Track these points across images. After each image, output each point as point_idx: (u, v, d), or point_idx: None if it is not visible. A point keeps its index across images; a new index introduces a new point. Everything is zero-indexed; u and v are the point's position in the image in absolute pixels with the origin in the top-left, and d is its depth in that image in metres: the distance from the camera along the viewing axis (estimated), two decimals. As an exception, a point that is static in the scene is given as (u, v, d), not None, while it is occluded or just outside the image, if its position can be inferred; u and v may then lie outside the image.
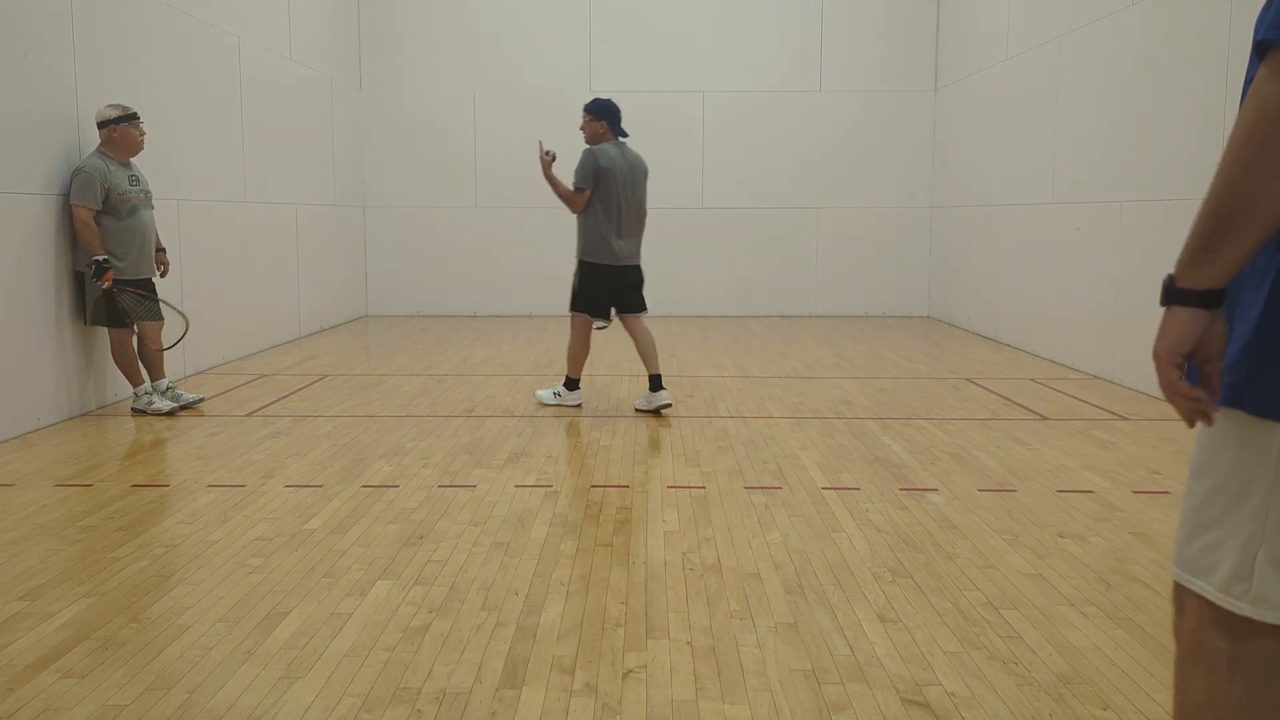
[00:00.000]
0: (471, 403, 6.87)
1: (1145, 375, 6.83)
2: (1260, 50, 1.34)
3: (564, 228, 12.53)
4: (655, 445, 5.62)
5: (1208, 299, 1.44)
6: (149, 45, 7.31)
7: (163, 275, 6.61)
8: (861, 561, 3.76)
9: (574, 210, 6.49)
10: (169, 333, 6.58)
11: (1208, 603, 1.53)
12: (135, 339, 6.35)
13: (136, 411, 6.37)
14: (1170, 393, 1.49)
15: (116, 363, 6.36)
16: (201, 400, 6.62)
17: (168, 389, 6.52)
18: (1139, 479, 4.89)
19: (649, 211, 6.79)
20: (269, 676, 2.83)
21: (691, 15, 12.38)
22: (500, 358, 9.01)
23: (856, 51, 12.37)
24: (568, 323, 7.04)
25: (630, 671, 2.86)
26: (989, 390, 7.35)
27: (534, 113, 12.39)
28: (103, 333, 6.43)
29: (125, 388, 6.67)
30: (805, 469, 5.10)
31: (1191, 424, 1.50)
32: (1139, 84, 7.29)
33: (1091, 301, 7.95)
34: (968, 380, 7.83)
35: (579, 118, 6.90)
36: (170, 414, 6.33)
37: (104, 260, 6.01)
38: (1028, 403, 6.83)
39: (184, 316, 6.59)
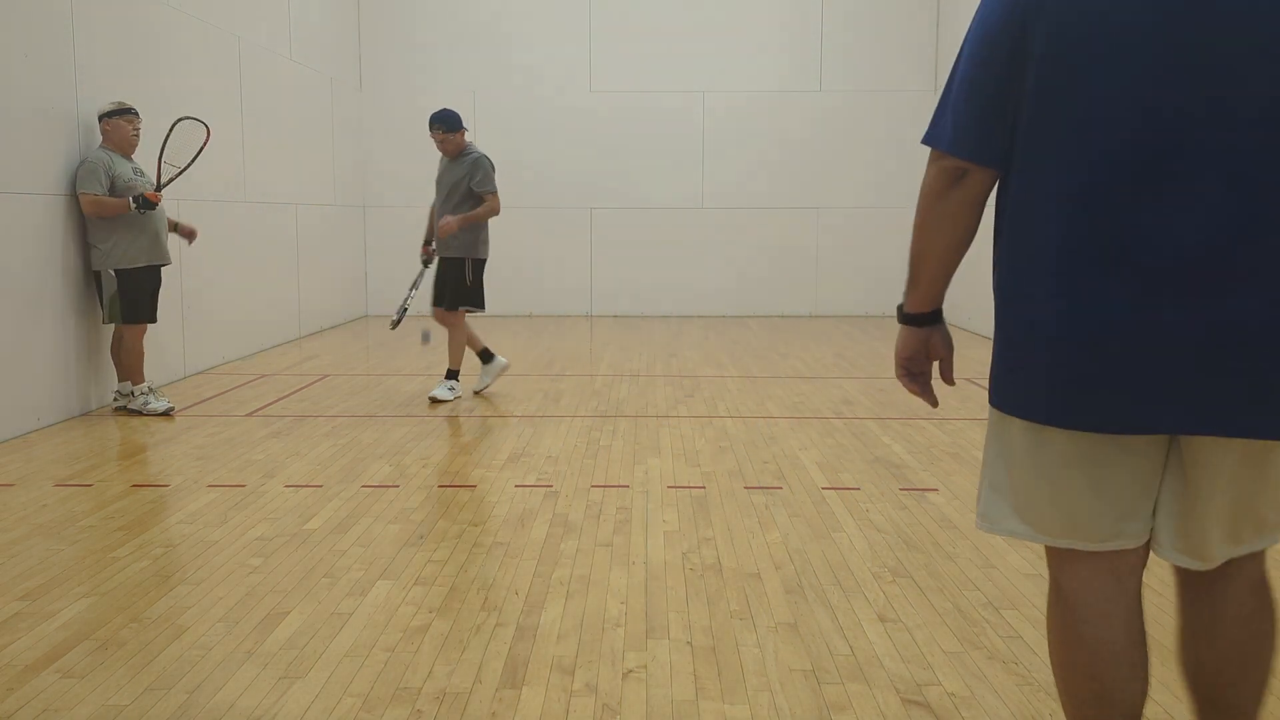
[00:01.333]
0: (471, 403, 6.87)
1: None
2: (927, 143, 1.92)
3: (564, 228, 12.56)
4: (655, 445, 5.62)
5: (920, 320, 2.02)
6: (149, 45, 7.32)
7: (190, 241, 6.81)
8: (861, 561, 3.76)
9: (497, 213, 6.92)
10: (193, 140, 6.64)
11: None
12: (114, 338, 6.38)
13: (131, 411, 6.35)
14: (903, 383, 2.10)
15: (119, 359, 6.36)
16: (170, 410, 6.49)
17: (131, 392, 6.43)
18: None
19: None
20: (269, 676, 2.83)
21: (691, 15, 12.38)
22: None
23: (856, 51, 12.36)
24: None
25: (630, 671, 2.86)
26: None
27: (534, 113, 12.39)
28: (102, 333, 6.43)
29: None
30: (805, 469, 5.10)
31: (931, 405, 2.14)
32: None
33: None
34: (968, 380, 7.82)
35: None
36: (165, 414, 6.33)
37: (138, 195, 6.13)
38: (1028, 403, 6.82)
39: (204, 125, 6.62)
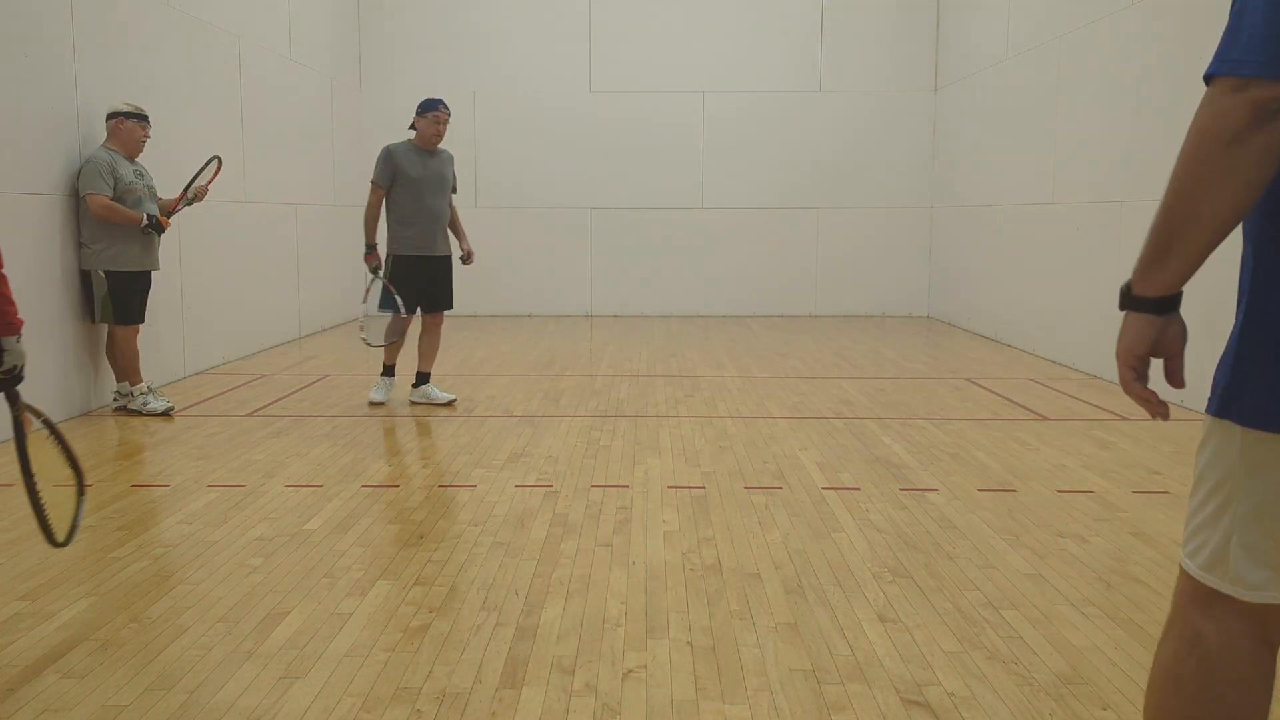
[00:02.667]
0: (471, 403, 6.87)
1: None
2: (1206, 80, 1.50)
3: (564, 228, 12.56)
4: (655, 445, 5.62)
5: (1160, 305, 1.58)
6: (150, 45, 7.32)
7: (199, 196, 6.68)
8: (861, 561, 3.76)
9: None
10: (204, 171, 6.70)
11: (1191, 579, 1.67)
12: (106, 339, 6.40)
13: (131, 411, 6.35)
14: (1127, 391, 1.64)
15: (114, 360, 6.36)
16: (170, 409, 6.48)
17: (130, 392, 6.43)
18: (1139, 479, 4.89)
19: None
20: (269, 676, 2.83)
21: (691, 15, 12.38)
22: (500, 358, 9.01)
23: (856, 51, 12.37)
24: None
25: (630, 671, 2.86)
26: (989, 390, 7.35)
27: (534, 113, 12.39)
28: (101, 333, 6.43)
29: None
30: (805, 469, 5.10)
31: (1153, 417, 1.68)
32: (1139, 84, 7.29)
33: (1091, 301, 7.94)
34: (968, 380, 7.83)
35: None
36: (165, 414, 6.33)
37: (151, 217, 6.20)
38: (1028, 403, 6.83)
39: (215, 157, 6.66)
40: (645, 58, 12.37)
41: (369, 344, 6.60)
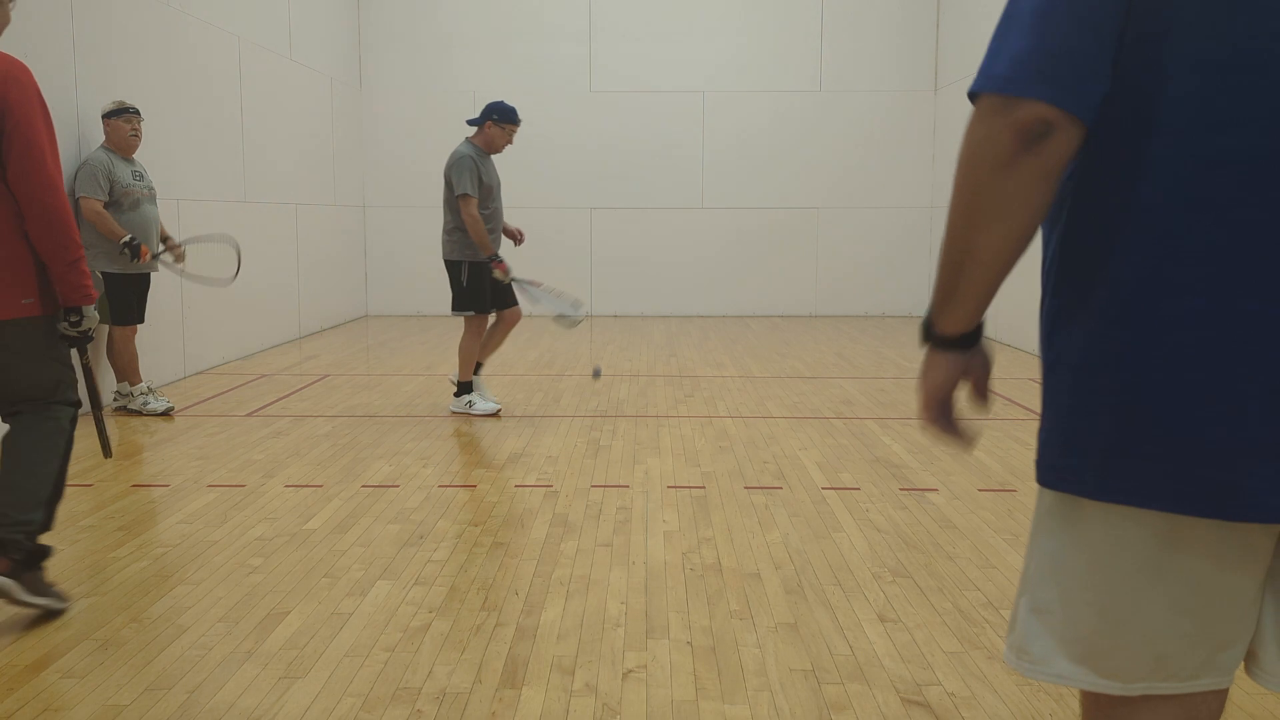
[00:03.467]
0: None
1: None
2: (970, 98, 1.35)
3: (564, 228, 12.56)
4: (655, 445, 5.62)
5: (963, 341, 1.46)
6: (149, 45, 7.31)
7: (178, 259, 6.62)
8: (861, 561, 3.76)
9: None
10: (225, 263, 6.58)
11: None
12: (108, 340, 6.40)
13: (131, 411, 6.35)
14: (931, 429, 1.54)
15: (113, 360, 6.37)
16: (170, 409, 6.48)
17: (130, 392, 6.44)
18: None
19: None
20: (269, 676, 2.83)
21: (691, 15, 12.38)
22: (500, 358, 9.01)
23: (856, 51, 12.37)
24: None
25: (630, 671, 2.86)
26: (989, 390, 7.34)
27: (534, 113, 12.37)
28: (102, 332, 6.43)
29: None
30: (805, 469, 5.10)
31: (964, 449, 1.52)
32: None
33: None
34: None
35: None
36: (165, 414, 6.33)
37: (132, 238, 6.13)
38: (1028, 403, 6.83)
39: (232, 242, 6.57)
40: (645, 58, 12.37)
41: (573, 321, 6.38)
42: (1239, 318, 1.27)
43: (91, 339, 3.40)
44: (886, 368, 8.44)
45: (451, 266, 6.27)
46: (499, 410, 6.42)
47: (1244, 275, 1.26)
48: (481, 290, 6.28)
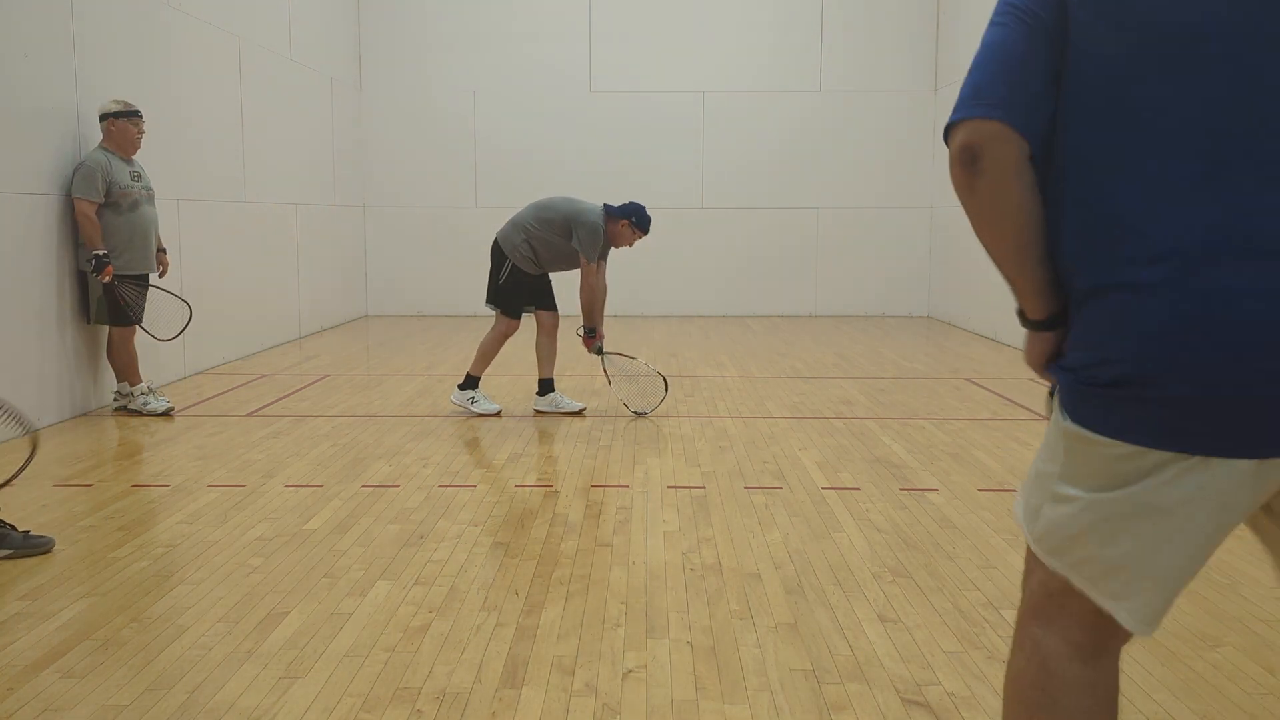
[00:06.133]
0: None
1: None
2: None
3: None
4: (655, 445, 5.62)
5: (1046, 324, 1.64)
6: (149, 45, 7.31)
7: (161, 275, 6.61)
8: (861, 561, 3.76)
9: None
10: (173, 323, 6.63)
11: (1030, 593, 1.71)
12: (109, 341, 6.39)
13: (131, 411, 6.35)
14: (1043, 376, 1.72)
15: (113, 360, 6.36)
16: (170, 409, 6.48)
17: (130, 392, 6.43)
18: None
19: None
20: (269, 676, 2.83)
21: (691, 15, 12.38)
22: (500, 358, 8.98)
23: (856, 51, 12.36)
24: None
25: (630, 671, 2.86)
26: (989, 390, 7.35)
27: (534, 113, 12.39)
28: (102, 331, 6.43)
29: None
30: (805, 469, 5.10)
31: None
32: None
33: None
34: (968, 380, 7.83)
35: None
36: (165, 414, 6.33)
37: (103, 255, 6.03)
38: (1028, 403, 6.83)
39: (187, 305, 6.61)
40: (645, 58, 12.37)
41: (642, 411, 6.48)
42: None
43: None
44: (886, 368, 8.43)
45: (498, 259, 6.41)
46: (499, 411, 6.44)
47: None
48: (516, 294, 6.41)
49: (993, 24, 1.59)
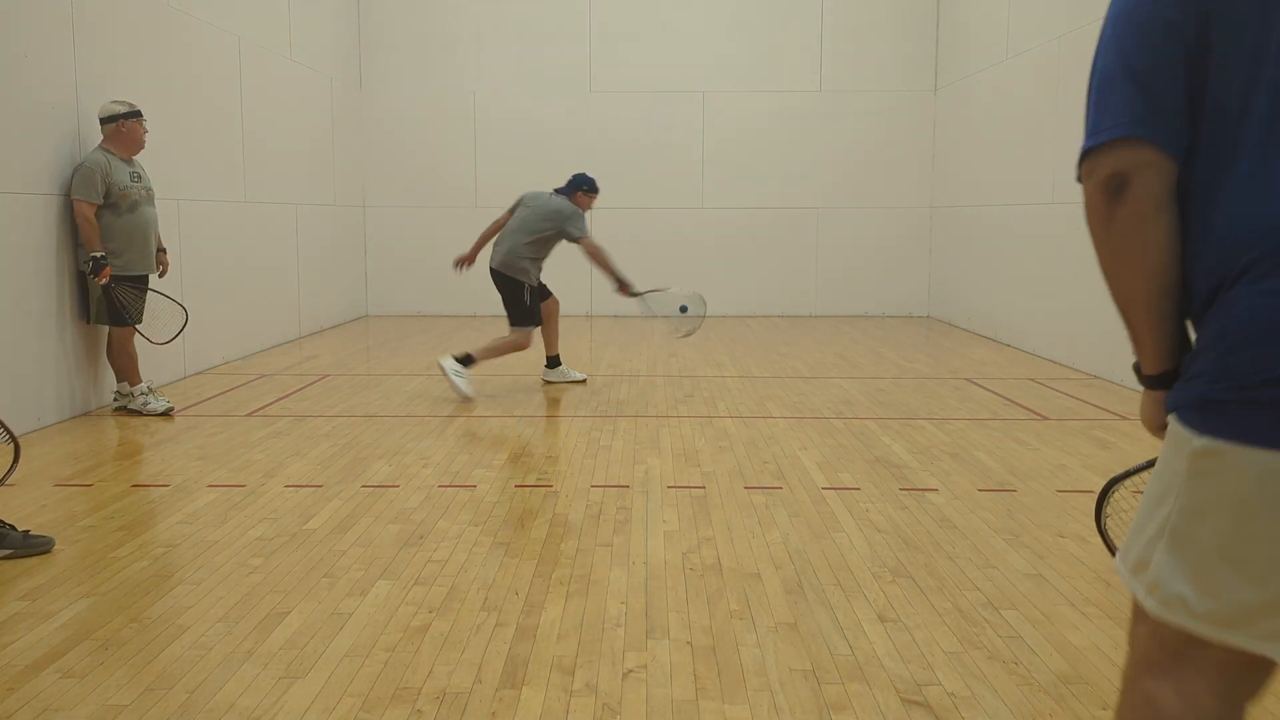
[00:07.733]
0: (472, 402, 6.86)
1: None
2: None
3: (564, 228, 12.55)
4: (655, 445, 5.62)
5: (1160, 381, 1.52)
6: (149, 45, 7.31)
7: (161, 275, 6.61)
8: (861, 561, 3.76)
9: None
10: (169, 326, 6.61)
11: (1142, 640, 1.55)
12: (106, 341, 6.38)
13: (131, 411, 6.35)
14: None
15: (113, 360, 6.36)
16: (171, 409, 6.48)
17: (130, 392, 6.44)
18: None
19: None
20: (269, 676, 2.83)
21: (691, 15, 12.38)
22: (501, 361, 9.00)
23: (856, 51, 12.36)
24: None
25: (630, 671, 2.86)
26: (989, 390, 7.35)
27: (534, 113, 12.39)
28: (103, 332, 6.43)
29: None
30: (805, 469, 5.10)
31: None
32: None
33: (1091, 301, 7.94)
34: (968, 380, 7.83)
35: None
36: (165, 414, 6.33)
37: (101, 257, 6.02)
38: (1028, 403, 6.83)
39: (183, 309, 6.61)
40: (645, 58, 12.37)
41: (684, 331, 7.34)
42: None
43: None
44: (886, 368, 8.43)
45: (514, 285, 7.10)
46: (469, 398, 6.85)
47: None
48: (538, 308, 7.20)
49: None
